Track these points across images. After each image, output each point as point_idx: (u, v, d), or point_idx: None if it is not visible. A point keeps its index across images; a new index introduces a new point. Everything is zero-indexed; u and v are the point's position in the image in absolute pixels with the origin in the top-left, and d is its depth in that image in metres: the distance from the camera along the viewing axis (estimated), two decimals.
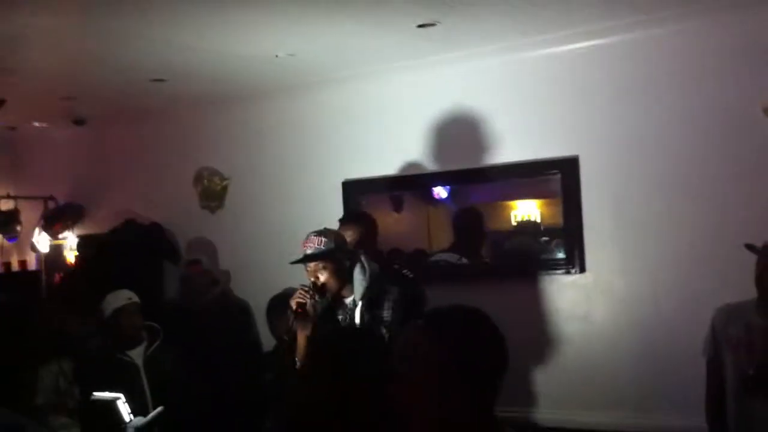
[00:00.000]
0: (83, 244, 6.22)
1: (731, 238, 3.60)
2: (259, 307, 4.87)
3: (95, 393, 3.74)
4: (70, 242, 6.36)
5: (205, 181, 5.60)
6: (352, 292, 3.57)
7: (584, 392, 4.28)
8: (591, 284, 4.30)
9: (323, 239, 3.49)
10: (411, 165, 4.84)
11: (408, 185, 5.06)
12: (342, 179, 5.05)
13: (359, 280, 3.55)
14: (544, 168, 4.43)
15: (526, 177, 4.63)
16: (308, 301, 3.44)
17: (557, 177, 4.41)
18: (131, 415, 3.71)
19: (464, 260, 4.87)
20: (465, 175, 4.72)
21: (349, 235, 3.89)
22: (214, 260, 5.48)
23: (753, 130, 3.91)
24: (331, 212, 4.32)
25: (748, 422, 3.25)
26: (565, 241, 4.41)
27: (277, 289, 4.59)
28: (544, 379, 4.35)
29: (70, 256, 6.34)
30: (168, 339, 4.15)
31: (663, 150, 4.13)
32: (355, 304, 3.55)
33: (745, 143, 3.95)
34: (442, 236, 5.21)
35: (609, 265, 4.26)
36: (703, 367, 3.54)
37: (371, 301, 3.52)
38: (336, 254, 3.51)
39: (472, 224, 5.10)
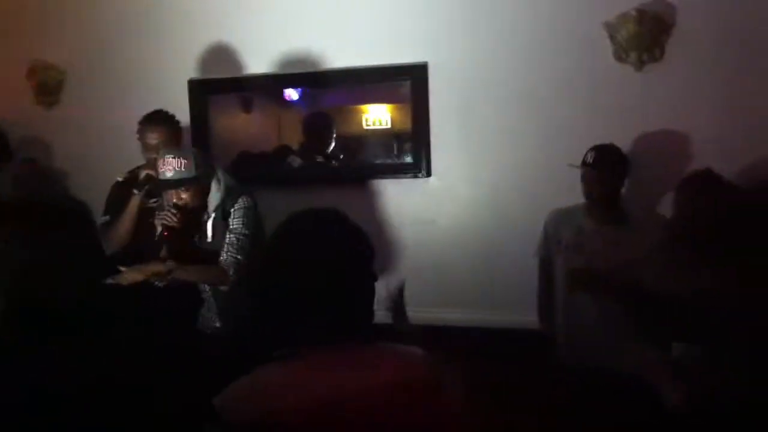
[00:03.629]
0: None
1: (566, 150, 3.78)
2: (96, 209, 4.68)
3: None
4: None
5: (39, 74, 5.25)
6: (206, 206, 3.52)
7: (428, 292, 4.42)
8: (437, 189, 4.42)
9: (183, 161, 3.35)
10: (261, 66, 4.72)
11: (257, 86, 4.93)
12: (188, 78, 4.86)
13: (214, 194, 3.50)
14: (394, 73, 4.44)
15: (377, 82, 4.61)
16: (175, 223, 3.37)
17: (407, 83, 4.43)
18: None
19: (298, 160, 4.85)
20: (315, 78, 4.64)
21: (155, 138, 3.81)
22: (49, 159, 5.19)
23: (591, 48, 4.06)
24: (176, 112, 4.14)
25: (572, 315, 3.51)
26: (413, 146, 4.47)
27: None
28: (390, 280, 4.43)
29: None
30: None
31: (508, 64, 4.24)
32: (208, 217, 3.50)
33: (582, 61, 4.10)
34: (294, 138, 5.14)
35: (454, 171, 4.39)
36: (537, 268, 3.76)
37: (223, 212, 3.49)
38: (200, 178, 3.42)
39: (320, 127, 5.07)
